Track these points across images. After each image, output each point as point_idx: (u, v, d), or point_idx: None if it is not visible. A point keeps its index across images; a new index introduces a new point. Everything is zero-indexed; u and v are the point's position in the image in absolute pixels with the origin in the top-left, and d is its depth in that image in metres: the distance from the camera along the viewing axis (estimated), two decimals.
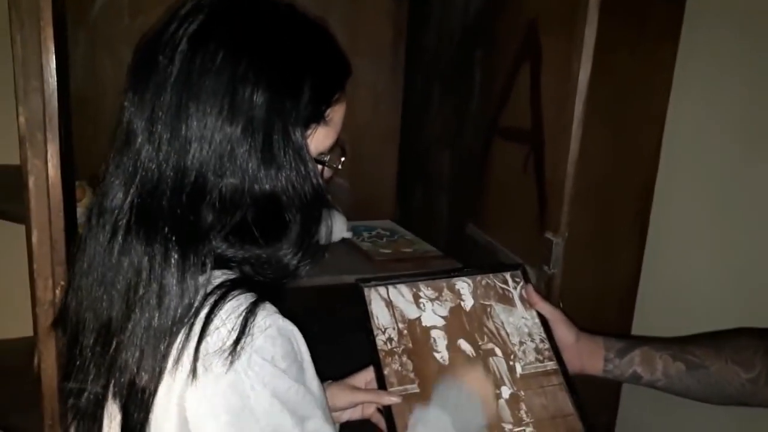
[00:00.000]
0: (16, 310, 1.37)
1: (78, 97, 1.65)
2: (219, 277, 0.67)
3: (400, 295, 0.94)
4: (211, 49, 0.64)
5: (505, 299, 0.98)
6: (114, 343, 0.66)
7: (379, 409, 0.92)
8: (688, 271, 1.47)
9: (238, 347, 0.61)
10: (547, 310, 0.99)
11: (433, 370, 0.88)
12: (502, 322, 0.95)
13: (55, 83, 0.90)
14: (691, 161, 1.43)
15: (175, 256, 0.64)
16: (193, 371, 0.61)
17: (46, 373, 0.98)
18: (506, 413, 0.85)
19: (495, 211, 1.50)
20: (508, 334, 0.94)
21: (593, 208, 1.43)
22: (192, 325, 0.63)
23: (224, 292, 0.64)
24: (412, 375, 0.86)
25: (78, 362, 0.71)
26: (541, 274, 1.26)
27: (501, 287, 1.00)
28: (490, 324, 0.94)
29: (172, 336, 0.63)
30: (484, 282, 0.99)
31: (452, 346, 0.91)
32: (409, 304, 0.94)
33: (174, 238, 0.64)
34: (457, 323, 0.93)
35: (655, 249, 1.53)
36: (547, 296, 1.26)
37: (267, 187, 0.66)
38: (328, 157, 0.73)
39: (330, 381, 0.94)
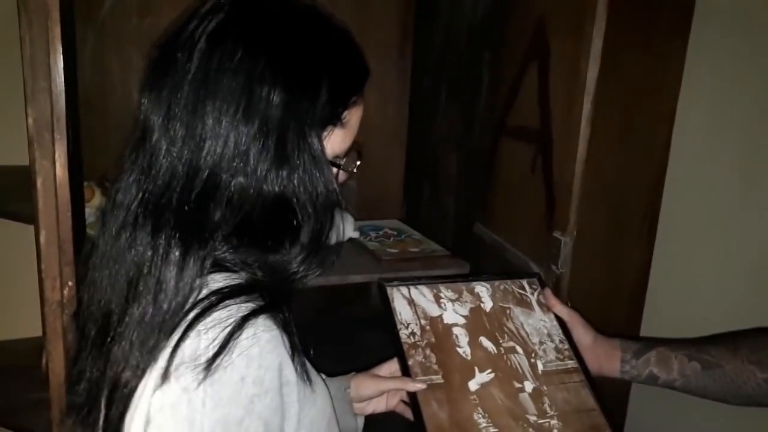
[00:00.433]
0: (28, 310, 1.38)
1: (86, 98, 1.66)
2: (219, 281, 0.65)
3: (422, 295, 0.96)
4: (229, 48, 0.64)
5: (524, 303, 1.00)
6: (110, 335, 0.66)
7: (404, 401, 0.92)
8: (698, 270, 1.46)
9: (214, 365, 0.59)
10: (565, 312, 1.00)
11: (457, 363, 0.89)
12: (522, 323, 0.96)
13: (63, 83, 0.90)
14: (701, 160, 1.42)
15: (176, 253, 0.63)
16: (164, 376, 0.60)
17: (54, 372, 0.98)
18: (530, 405, 0.86)
19: (503, 210, 1.50)
20: (528, 334, 0.95)
21: (602, 208, 1.42)
22: (176, 327, 0.62)
23: (218, 298, 0.63)
24: (435, 366, 0.88)
25: (80, 354, 0.72)
26: (550, 274, 1.26)
27: (519, 292, 1.01)
28: (509, 324, 0.96)
29: (161, 334, 0.62)
30: (502, 287, 1.01)
31: (474, 343, 0.92)
32: (431, 303, 0.95)
33: (178, 235, 0.63)
34: (478, 322, 0.95)
35: (664, 248, 1.52)
36: (555, 296, 1.26)
37: (278, 188, 0.65)
38: (344, 160, 0.72)
39: (354, 373, 0.95)
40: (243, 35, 0.65)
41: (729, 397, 0.94)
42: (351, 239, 1.74)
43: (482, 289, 0.99)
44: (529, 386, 0.89)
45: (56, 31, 0.87)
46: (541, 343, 0.94)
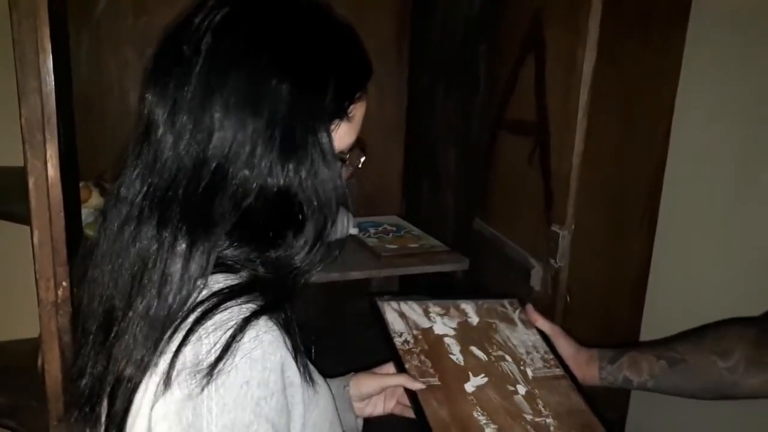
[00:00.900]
0: (26, 311, 1.37)
1: (83, 98, 1.66)
2: (219, 281, 0.64)
3: (412, 309, 0.99)
4: (235, 42, 0.63)
5: (507, 320, 1.04)
6: (114, 330, 0.65)
7: (402, 403, 0.94)
8: (698, 262, 1.45)
9: (216, 370, 0.58)
10: (547, 326, 1.03)
11: (451, 367, 0.92)
12: (508, 336, 1.00)
13: (53, 83, 0.89)
14: (701, 152, 1.41)
15: (183, 245, 0.62)
16: (165, 383, 0.59)
17: (51, 374, 0.98)
18: (526, 406, 0.88)
19: (501, 205, 1.49)
20: (515, 346, 0.99)
21: (602, 201, 1.41)
22: (177, 329, 0.61)
23: (218, 300, 0.62)
24: (431, 370, 0.90)
25: (81, 350, 0.71)
26: (548, 268, 1.25)
27: (501, 310, 1.05)
28: (497, 336, 0.99)
29: (164, 330, 0.61)
30: (485, 306, 1.05)
31: (465, 351, 0.95)
32: (421, 317, 0.99)
33: (184, 228, 0.62)
34: (467, 334, 0.98)
35: (664, 241, 1.51)
36: (554, 290, 1.25)
37: (284, 181, 0.64)
38: (348, 155, 0.72)
39: (353, 372, 0.95)
40: (249, 29, 0.64)
41: (697, 391, 0.95)
42: (350, 236, 1.73)
43: (468, 306, 1.04)
44: (522, 389, 0.91)
45: (45, 31, 0.87)
46: (527, 353, 0.98)
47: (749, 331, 0.92)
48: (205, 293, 0.63)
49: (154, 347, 0.61)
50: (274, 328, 0.63)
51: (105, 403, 0.68)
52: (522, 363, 0.95)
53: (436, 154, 1.83)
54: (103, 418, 0.69)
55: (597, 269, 1.44)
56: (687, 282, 1.47)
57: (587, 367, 0.99)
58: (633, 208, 1.49)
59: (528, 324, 1.03)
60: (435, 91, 1.83)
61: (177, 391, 0.59)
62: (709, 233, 1.41)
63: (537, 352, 0.99)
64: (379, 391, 0.93)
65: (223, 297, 0.62)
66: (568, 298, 1.23)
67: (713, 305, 1.38)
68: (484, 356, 0.95)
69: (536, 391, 0.91)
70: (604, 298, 1.50)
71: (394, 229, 1.86)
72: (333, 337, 1.64)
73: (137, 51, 1.75)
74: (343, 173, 0.70)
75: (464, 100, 1.65)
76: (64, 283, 0.96)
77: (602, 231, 1.43)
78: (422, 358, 0.91)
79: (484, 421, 0.84)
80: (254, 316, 0.61)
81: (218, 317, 0.61)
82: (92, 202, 1.64)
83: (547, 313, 1.11)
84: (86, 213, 1.64)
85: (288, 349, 0.64)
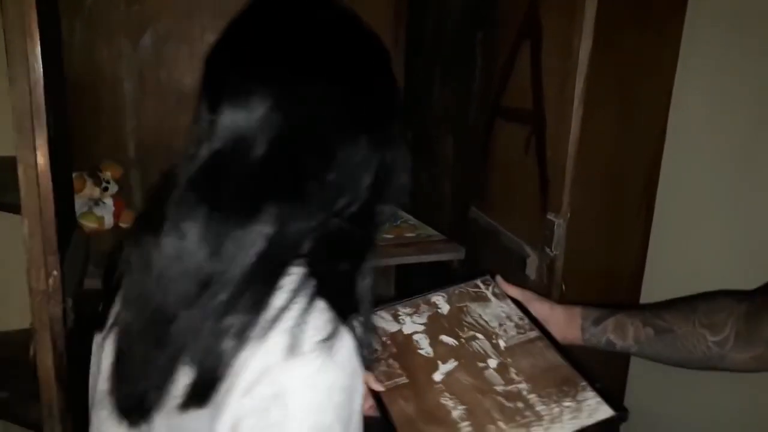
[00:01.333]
0: (19, 301, 1.37)
1: (76, 87, 1.65)
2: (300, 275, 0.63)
3: (381, 318, 0.99)
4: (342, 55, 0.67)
5: (479, 299, 1.03)
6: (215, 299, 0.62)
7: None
8: (695, 251, 1.44)
9: (306, 371, 0.58)
10: (517, 292, 1.02)
11: (419, 362, 0.91)
12: (480, 315, 0.99)
13: (41, 70, 0.88)
14: (699, 139, 1.40)
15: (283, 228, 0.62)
16: (255, 379, 0.59)
17: (43, 364, 0.98)
18: (497, 378, 0.88)
19: (498, 193, 1.48)
20: (487, 321, 0.98)
21: (599, 189, 1.40)
22: (269, 326, 0.60)
23: (307, 303, 0.61)
24: (399, 371, 0.90)
25: (135, 356, 0.66)
26: (544, 256, 1.24)
27: (474, 291, 1.04)
28: (468, 318, 0.98)
29: (256, 325, 0.60)
30: (457, 292, 1.04)
31: (435, 342, 0.95)
32: (390, 322, 0.98)
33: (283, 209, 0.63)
34: (437, 325, 0.98)
35: (661, 230, 1.50)
36: (549, 279, 1.25)
37: (376, 159, 0.67)
38: None
39: None
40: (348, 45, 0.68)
41: (682, 361, 0.94)
42: None
43: (438, 298, 1.02)
44: (493, 363, 0.90)
45: (32, 17, 0.85)
46: (500, 325, 0.97)
47: (741, 306, 0.91)
48: (285, 296, 0.61)
49: (244, 342, 0.60)
50: (352, 335, 0.63)
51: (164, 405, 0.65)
52: (494, 336, 0.94)
53: (433, 142, 1.82)
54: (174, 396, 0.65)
55: (594, 258, 1.43)
56: (684, 270, 1.47)
57: (568, 326, 0.98)
58: (630, 196, 1.48)
59: (501, 296, 1.02)
60: (432, 79, 1.82)
61: (266, 389, 0.58)
62: (707, 222, 1.40)
63: (511, 320, 0.97)
64: None
65: (309, 299, 0.62)
66: (564, 287, 1.22)
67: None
68: (454, 341, 0.94)
69: (509, 359, 0.90)
70: (601, 286, 1.49)
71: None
72: None
73: (130, 39, 1.74)
74: None
75: (461, 87, 1.64)
76: (55, 273, 0.96)
77: (599, 219, 1.43)
78: (390, 361, 0.91)
79: (452, 405, 0.84)
80: (339, 321, 0.62)
81: (310, 318, 0.60)
82: (86, 191, 1.63)
83: None
84: (80, 203, 1.63)
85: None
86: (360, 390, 0.64)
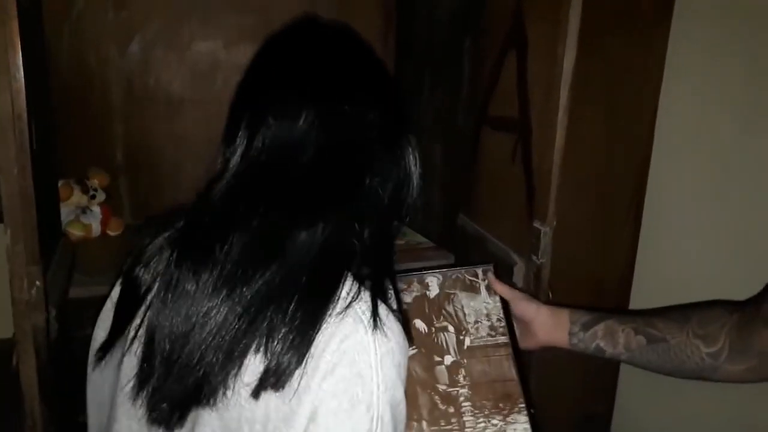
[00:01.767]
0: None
1: (64, 93, 1.64)
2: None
3: None
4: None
5: (471, 288, 1.02)
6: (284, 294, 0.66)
7: None
8: (684, 257, 1.44)
9: (379, 352, 0.64)
10: (506, 291, 1.02)
11: None
12: (462, 306, 0.99)
13: (23, 79, 0.87)
14: (687, 145, 1.40)
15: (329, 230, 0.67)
16: (332, 362, 0.63)
17: (25, 375, 0.97)
18: (444, 377, 0.90)
19: (485, 201, 1.48)
20: (465, 315, 0.98)
21: (586, 196, 1.40)
22: (332, 314, 0.65)
23: (359, 289, 0.67)
24: None
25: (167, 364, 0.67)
26: (531, 264, 1.25)
27: (470, 279, 1.03)
28: (449, 308, 0.99)
29: (321, 317, 0.64)
30: (453, 276, 1.03)
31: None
32: None
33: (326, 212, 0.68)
34: (418, 308, 0.98)
35: (650, 236, 1.50)
36: (536, 287, 1.25)
37: (403, 169, 0.78)
38: None
39: None
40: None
41: (673, 371, 0.94)
42: None
43: (433, 279, 1.02)
44: (449, 360, 0.92)
45: (13, 26, 0.85)
46: (476, 322, 0.97)
47: (733, 317, 0.91)
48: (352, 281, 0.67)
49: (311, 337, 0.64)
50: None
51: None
52: (463, 332, 0.95)
53: (422, 148, 1.81)
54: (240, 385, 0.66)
55: (581, 265, 1.43)
56: (673, 277, 1.47)
57: (555, 329, 0.98)
58: (618, 203, 1.48)
59: (492, 291, 1.02)
60: (421, 86, 1.82)
61: (345, 370, 0.63)
62: (696, 229, 1.40)
63: (488, 320, 0.98)
64: None
65: (359, 288, 0.67)
66: (551, 295, 1.22)
67: (700, 298, 1.38)
68: (425, 329, 0.95)
69: (464, 361, 0.92)
70: (589, 294, 1.49)
71: None
72: None
73: (118, 46, 1.74)
74: None
75: (449, 95, 1.64)
76: (37, 283, 0.95)
77: (587, 227, 1.43)
78: None
79: None
80: (384, 303, 0.68)
81: (369, 302, 0.66)
82: (73, 199, 1.62)
83: None
84: (67, 211, 1.62)
85: None
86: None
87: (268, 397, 0.63)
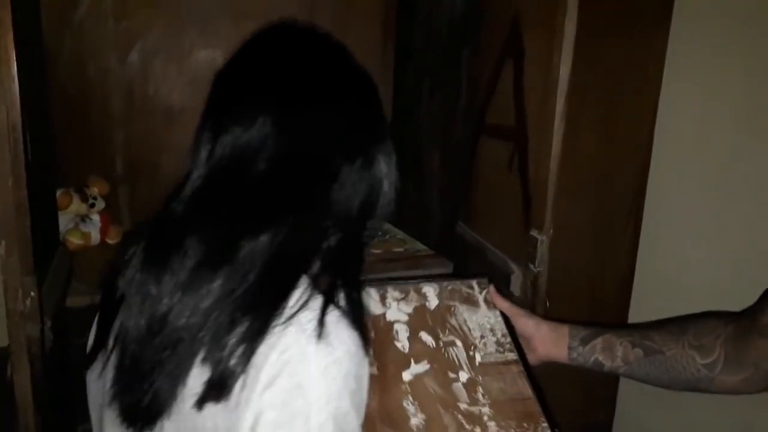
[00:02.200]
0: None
1: (64, 102, 1.65)
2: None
3: (368, 296, 0.95)
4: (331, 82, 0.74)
5: (470, 301, 1.01)
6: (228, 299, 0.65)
7: None
8: (684, 264, 1.44)
9: (324, 362, 0.62)
10: (507, 306, 1.01)
11: (393, 355, 0.90)
12: (465, 320, 0.97)
13: (18, 91, 0.88)
14: (685, 151, 1.40)
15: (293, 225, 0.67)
16: (274, 373, 0.62)
17: (20, 385, 0.97)
18: (463, 394, 0.87)
19: (483, 209, 1.48)
20: (470, 329, 0.96)
21: (584, 204, 1.40)
22: (282, 323, 0.64)
23: (311, 294, 0.66)
24: (371, 359, 0.89)
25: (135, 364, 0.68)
26: (528, 273, 1.24)
27: (466, 291, 1.02)
28: (452, 321, 0.97)
29: (270, 323, 0.63)
30: (449, 287, 1.02)
31: (413, 337, 0.93)
32: (375, 303, 0.96)
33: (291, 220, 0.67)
34: (421, 319, 0.96)
35: (650, 243, 1.50)
36: (533, 295, 1.24)
37: (375, 175, 0.75)
38: None
39: None
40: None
41: (670, 383, 0.94)
42: None
43: (430, 289, 1.00)
44: (464, 376, 0.89)
45: (8, 39, 0.86)
46: (482, 337, 0.95)
47: (728, 328, 0.91)
48: (304, 289, 0.66)
49: (259, 338, 0.63)
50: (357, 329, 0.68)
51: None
52: (472, 348, 0.93)
53: (421, 156, 1.82)
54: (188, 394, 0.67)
55: (579, 274, 1.43)
56: (673, 282, 1.46)
57: (555, 345, 0.98)
58: (617, 212, 1.48)
59: (491, 305, 1.01)
60: (420, 94, 1.82)
61: (287, 381, 0.62)
62: (696, 234, 1.40)
63: (494, 335, 0.96)
64: None
65: (315, 289, 0.66)
66: (548, 304, 1.22)
67: (700, 305, 1.36)
68: (433, 342, 0.93)
69: (479, 378, 0.89)
70: (588, 303, 1.48)
71: (379, 233, 1.84)
72: None
73: (118, 55, 1.74)
74: None
75: (448, 103, 1.65)
76: (32, 294, 0.95)
77: (585, 235, 1.42)
78: None
79: (413, 411, 0.83)
80: (342, 312, 0.66)
81: (316, 311, 0.64)
82: (72, 208, 1.63)
83: None
84: (66, 219, 1.63)
85: None
86: (368, 378, 0.68)
87: (214, 408, 0.63)
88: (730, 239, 1.31)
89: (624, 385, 1.57)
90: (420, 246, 1.75)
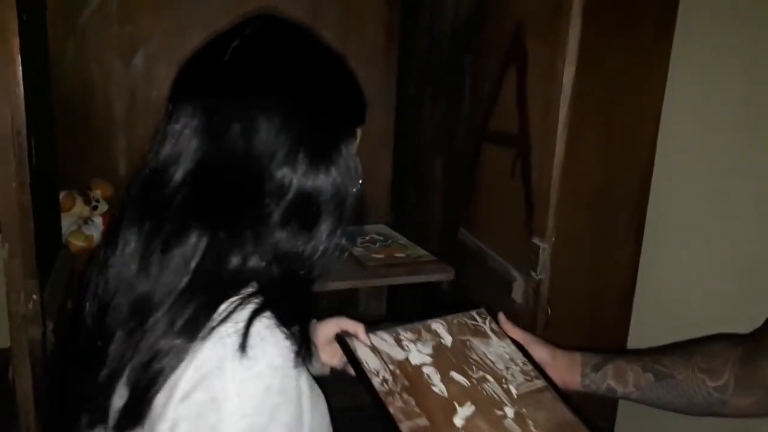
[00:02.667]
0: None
1: (68, 106, 1.66)
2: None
3: (383, 340, 0.94)
4: (273, 70, 0.68)
5: (480, 333, 1.00)
6: (149, 319, 0.64)
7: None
8: (685, 271, 1.43)
9: (240, 375, 0.60)
10: (519, 335, 1.00)
11: (436, 402, 0.88)
12: (484, 353, 0.97)
13: (23, 94, 0.88)
14: (687, 159, 1.40)
15: (222, 236, 0.64)
16: (192, 383, 0.60)
17: (21, 387, 0.97)
18: (516, 430, 0.86)
19: (485, 216, 1.48)
20: (493, 362, 0.95)
21: (587, 212, 1.40)
22: (210, 329, 0.62)
23: (240, 303, 0.63)
24: (417, 410, 0.86)
25: (97, 344, 0.67)
26: (529, 280, 1.24)
27: (472, 324, 1.01)
28: (473, 355, 0.96)
29: (199, 328, 0.61)
30: (455, 321, 1.01)
31: (446, 379, 0.91)
32: (393, 347, 0.94)
33: (223, 225, 0.64)
34: (444, 359, 0.95)
35: (652, 251, 1.50)
36: (535, 302, 1.24)
37: (316, 183, 0.68)
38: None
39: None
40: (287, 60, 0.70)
41: (683, 407, 0.94)
42: None
43: (438, 326, 0.99)
44: (510, 412, 0.88)
45: (14, 43, 0.86)
46: (507, 368, 0.95)
47: (737, 350, 0.91)
48: (232, 300, 0.63)
49: (189, 340, 0.61)
50: (291, 337, 0.64)
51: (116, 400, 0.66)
52: (504, 381, 0.93)
53: (423, 163, 1.82)
54: (113, 414, 0.67)
55: (582, 281, 1.43)
56: (675, 292, 1.46)
57: (568, 372, 0.97)
58: (619, 218, 1.48)
59: (501, 334, 1.00)
60: (422, 100, 1.82)
61: (201, 395, 0.60)
62: (698, 241, 1.40)
63: (516, 365, 0.96)
64: (336, 329, 0.92)
65: (240, 302, 0.63)
66: (549, 311, 1.22)
67: (702, 315, 1.37)
68: (466, 381, 0.92)
69: (524, 410, 0.89)
70: (591, 308, 1.48)
71: (381, 238, 1.85)
72: None
73: (122, 59, 1.75)
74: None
75: (450, 109, 1.65)
76: (34, 297, 0.95)
77: (587, 242, 1.42)
78: (405, 396, 0.87)
79: None
80: (276, 323, 0.63)
81: (239, 323, 0.62)
82: (75, 210, 1.63)
83: (529, 326, 1.09)
84: (70, 221, 1.63)
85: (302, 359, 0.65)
86: (305, 391, 0.65)
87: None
88: (733, 249, 1.31)
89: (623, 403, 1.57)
90: (422, 251, 1.76)
